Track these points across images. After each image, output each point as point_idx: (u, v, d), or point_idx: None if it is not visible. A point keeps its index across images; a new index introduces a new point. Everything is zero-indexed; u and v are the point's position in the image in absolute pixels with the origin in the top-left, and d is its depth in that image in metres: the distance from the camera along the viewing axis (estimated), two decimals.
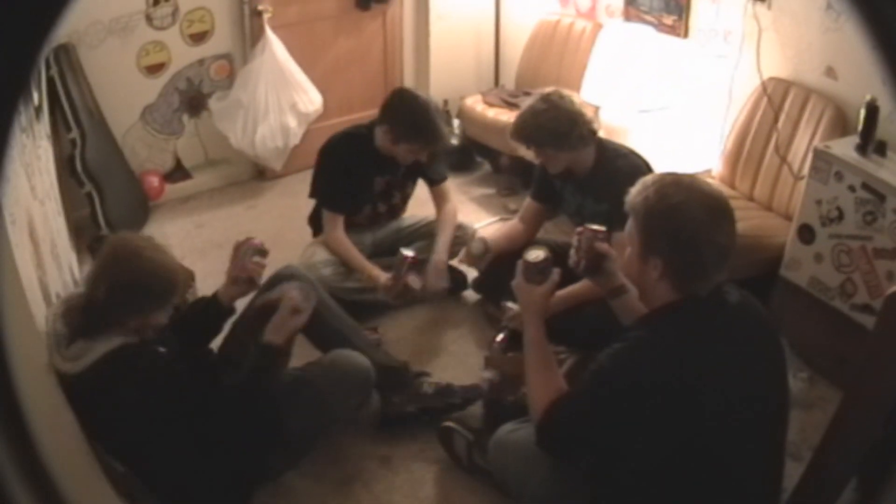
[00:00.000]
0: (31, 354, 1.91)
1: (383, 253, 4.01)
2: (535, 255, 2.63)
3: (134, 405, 2.38)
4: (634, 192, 2.21)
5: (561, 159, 3.42)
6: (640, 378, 2.07)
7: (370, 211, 4.00)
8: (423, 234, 4.06)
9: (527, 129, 3.40)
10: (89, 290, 2.48)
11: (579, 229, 2.71)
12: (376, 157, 3.84)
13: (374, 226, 4.08)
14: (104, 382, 2.36)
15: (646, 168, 3.34)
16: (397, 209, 4.15)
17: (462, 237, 3.98)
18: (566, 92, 3.43)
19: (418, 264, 3.66)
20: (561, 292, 3.32)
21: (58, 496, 1.19)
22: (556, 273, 2.62)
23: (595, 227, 2.69)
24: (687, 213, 2.10)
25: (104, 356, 2.39)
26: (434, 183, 4.09)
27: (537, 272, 2.61)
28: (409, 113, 3.72)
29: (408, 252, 3.62)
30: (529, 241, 3.66)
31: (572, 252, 2.70)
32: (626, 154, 3.45)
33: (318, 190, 3.91)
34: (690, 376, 2.05)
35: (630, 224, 2.22)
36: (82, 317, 2.46)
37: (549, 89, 3.47)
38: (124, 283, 2.42)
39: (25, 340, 1.87)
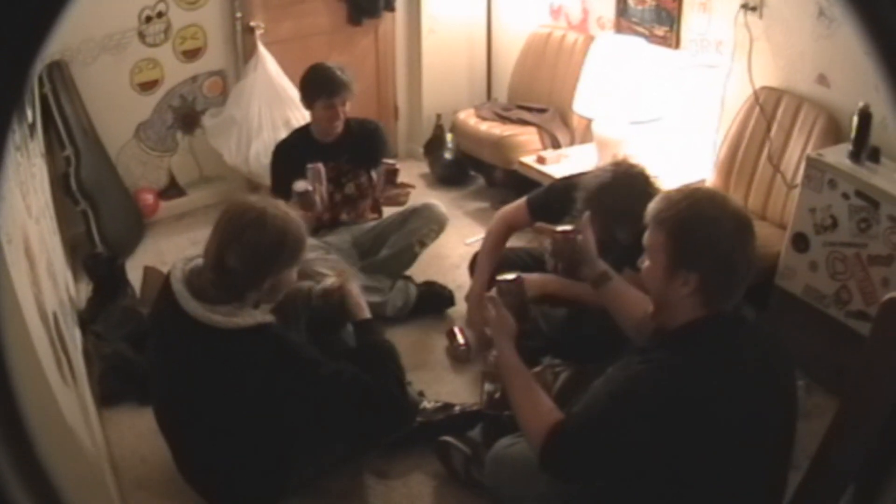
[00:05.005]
0: (29, 371, 1.89)
1: (365, 253, 4.15)
2: (508, 276, 2.65)
3: (264, 378, 2.52)
4: (661, 206, 2.17)
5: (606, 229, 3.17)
6: (664, 402, 2.05)
7: (326, 201, 4.05)
8: (396, 227, 4.17)
9: (614, 206, 3.03)
10: (216, 259, 2.54)
11: (555, 230, 2.75)
12: (316, 146, 4.10)
13: (344, 221, 4.24)
14: (247, 348, 2.51)
15: None
16: (355, 200, 4.26)
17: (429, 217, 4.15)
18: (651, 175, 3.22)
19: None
20: (563, 281, 3.28)
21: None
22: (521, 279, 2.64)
23: (563, 228, 2.73)
24: (723, 227, 2.09)
25: (252, 327, 2.51)
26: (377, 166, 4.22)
27: (506, 292, 2.61)
28: (308, 74, 4.09)
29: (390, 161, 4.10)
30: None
31: (547, 257, 2.73)
32: None
33: (274, 185, 4.13)
34: (716, 399, 2.03)
35: (654, 238, 2.18)
36: (216, 284, 2.54)
37: (631, 163, 3.24)
38: (254, 249, 2.51)
39: (22, 358, 1.86)
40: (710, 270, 2.08)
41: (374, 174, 4.17)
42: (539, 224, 2.78)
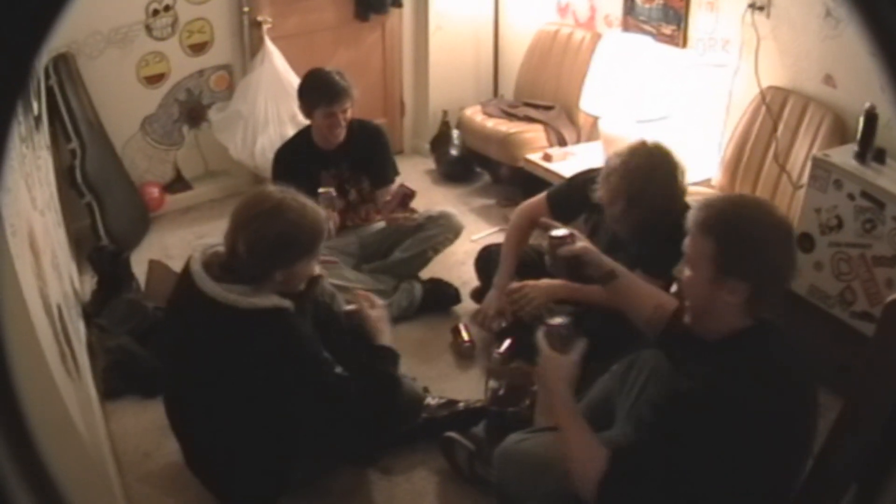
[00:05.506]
0: (32, 364, 1.89)
1: (372, 255, 4.12)
2: (559, 319, 2.44)
3: (271, 363, 2.51)
4: (706, 213, 2.11)
5: (631, 214, 3.12)
6: (721, 423, 1.98)
7: (339, 224, 4.02)
8: (411, 231, 4.12)
9: (638, 190, 3.03)
10: (230, 245, 2.55)
11: (551, 235, 2.67)
12: (317, 153, 4.05)
13: (349, 227, 4.19)
14: (260, 330, 2.49)
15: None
16: (357, 206, 4.22)
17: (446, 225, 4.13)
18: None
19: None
20: (572, 286, 3.30)
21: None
22: (583, 341, 2.38)
23: (557, 233, 2.66)
24: (772, 234, 2.05)
25: (268, 309, 2.50)
26: (377, 186, 4.18)
27: (561, 338, 2.38)
28: (306, 80, 4.02)
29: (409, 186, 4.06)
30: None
31: (547, 259, 2.69)
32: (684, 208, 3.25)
33: None
34: (769, 412, 1.98)
35: (699, 246, 2.11)
36: (226, 267, 2.55)
37: (654, 144, 3.15)
38: (263, 240, 2.50)
39: (26, 350, 1.86)
40: (759, 278, 2.04)
41: (385, 192, 4.14)
42: (543, 219, 2.73)
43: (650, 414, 2.15)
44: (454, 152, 5.56)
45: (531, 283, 3.46)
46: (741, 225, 2.06)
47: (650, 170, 3.03)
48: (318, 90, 3.92)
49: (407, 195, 4.01)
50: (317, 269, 2.98)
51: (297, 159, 4.01)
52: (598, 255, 2.62)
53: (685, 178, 3.13)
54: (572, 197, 3.58)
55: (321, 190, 3.72)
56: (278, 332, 2.53)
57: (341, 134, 3.99)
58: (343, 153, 4.05)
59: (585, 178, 3.48)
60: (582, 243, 2.63)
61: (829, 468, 2.31)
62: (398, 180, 4.26)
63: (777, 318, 2.15)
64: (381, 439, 2.99)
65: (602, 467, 2.09)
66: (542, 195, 3.71)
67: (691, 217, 2.14)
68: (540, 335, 2.42)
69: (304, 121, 4.40)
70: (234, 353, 2.52)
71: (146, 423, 3.29)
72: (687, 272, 2.16)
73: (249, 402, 2.59)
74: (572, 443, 2.22)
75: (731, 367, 2.05)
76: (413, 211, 4.08)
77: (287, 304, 2.56)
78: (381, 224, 4.23)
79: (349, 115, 3.97)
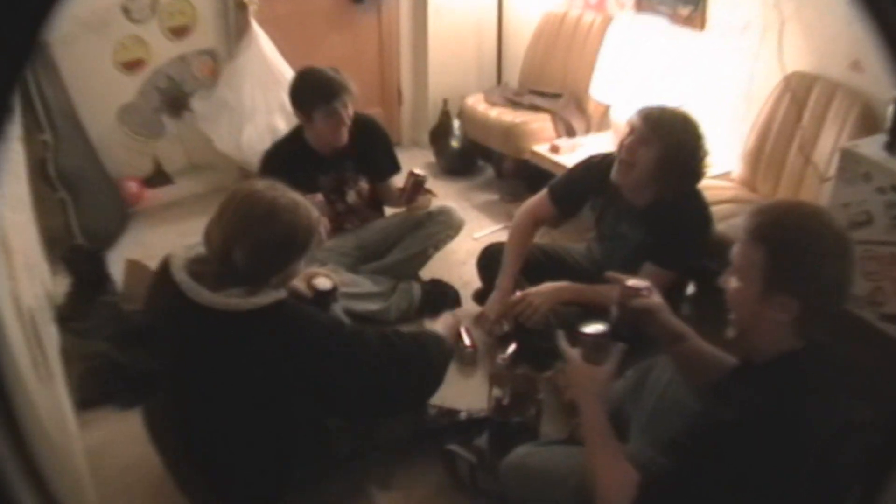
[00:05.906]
0: (4, 372, 1.76)
1: (370, 256, 4.05)
2: (594, 328, 2.35)
3: (284, 353, 2.46)
4: (760, 219, 2.00)
5: (648, 172, 3.14)
6: (759, 456, 1.86)
7: (329, 212, 3.90)
8: (410, 229, 4.07)
9: (671, 128, 3.16)
10: (222, 252, 2.46)
11: (625, 284, 2.48)
12: (314, 156, 3.89)
13: (349, 229, 4.11)
14: (267, 326, 2.43)
15: (708, 213, 3.31)
16: (359, 208, 4.14)
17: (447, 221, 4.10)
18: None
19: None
20: (577, 286, 3.41)
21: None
22: (618, 349, 2.31)
23: (633, 282, 2.46)
24: (830, 249, 1.91)
25: (270, 305, 2.43)
26: (378, 179, 4.13)
27: (597, 348, 2.31)
28: (298, 82, 3.83)
29: (418, 171, 4.01)
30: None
31: (613, 309, 2.49)
32: (696, 196, 3.32)
33: None
34: (811, 445, 1.88)
35: (750, 255, 1.99)
36: (221, 275, 2.47)
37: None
38: (262, 247, 2.45)
39: None
40: (812, 296, 1.92)
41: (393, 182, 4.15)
42: (610, 273, 2.55)
43: (686, 440, 2.03)
44: (455, 144, 5.53)
45: (532, 290, 3.44)
46: (797, 236, 1.94)
47: (676, 117, 3.20)
48: (314, 89, 3.72)
49: (419, 181, 3.97)
50: (327, 283, 3.08)
51: (290, 159, 3.81)
52: (669, 314, 2.45)
53: (707, 156, 3.24)
54: (575, 187, 3.58)
55: (308, 196, 3.54)
56: (287, 321, 2.49)
57: (345, 133, 3.81)
58: (344, 154, 3.91)
59: (586, 166, 3.55)
60: (658, 299, 2.46)
61: (832, 468, 2.20)
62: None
63: (829, 339, 2.03)
64: (401, 401, 2.95)
65: (632, 494, 2.01)
66: (543, 191, 3.67)
67: (743, 223, 2.04)
68: (563, 342, 2.38)
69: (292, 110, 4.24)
70: (239, 356, 2.46)
71: (126, 433, 3.16)
72: (734, 283, 2.05)
73: (254, 404, 2.53)
74: (601, 464, 2.15)
75: (777, 396, 1.93)
76: (431, 192, 4.07)
77: (283, 294, 2.53)
78: (380, 223, 4.17)
79: (351, 111, 3.79)
